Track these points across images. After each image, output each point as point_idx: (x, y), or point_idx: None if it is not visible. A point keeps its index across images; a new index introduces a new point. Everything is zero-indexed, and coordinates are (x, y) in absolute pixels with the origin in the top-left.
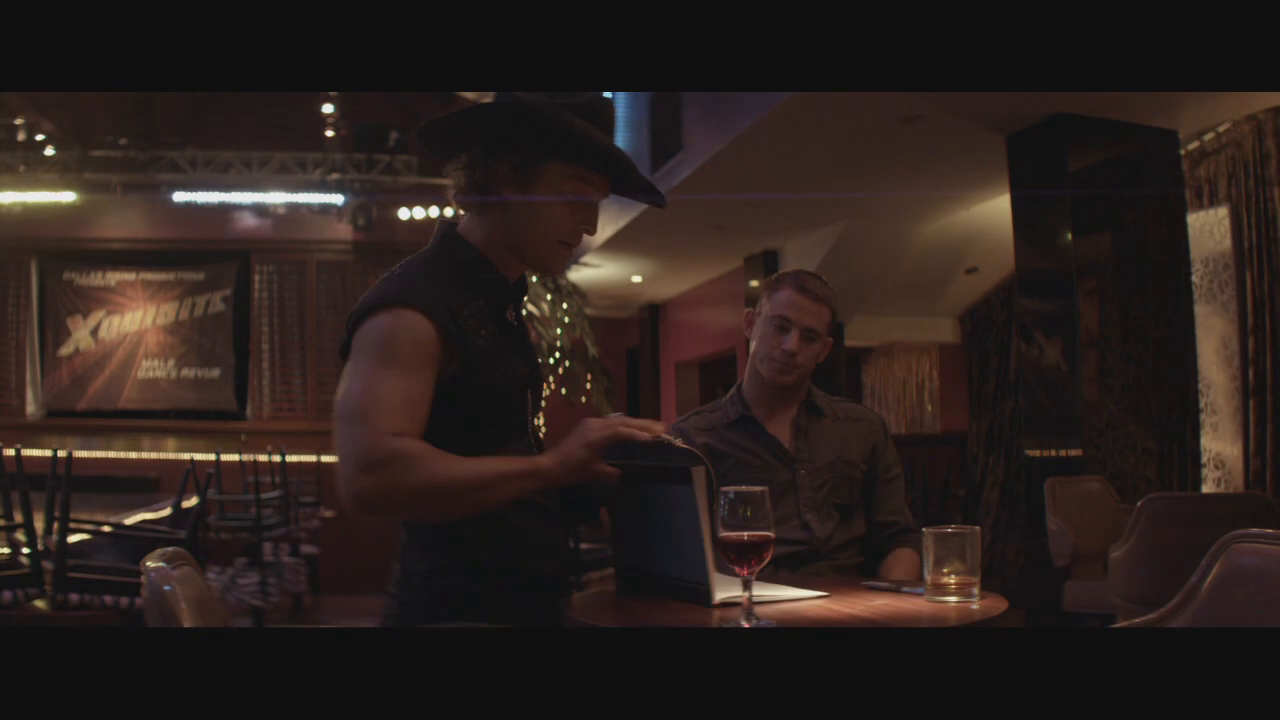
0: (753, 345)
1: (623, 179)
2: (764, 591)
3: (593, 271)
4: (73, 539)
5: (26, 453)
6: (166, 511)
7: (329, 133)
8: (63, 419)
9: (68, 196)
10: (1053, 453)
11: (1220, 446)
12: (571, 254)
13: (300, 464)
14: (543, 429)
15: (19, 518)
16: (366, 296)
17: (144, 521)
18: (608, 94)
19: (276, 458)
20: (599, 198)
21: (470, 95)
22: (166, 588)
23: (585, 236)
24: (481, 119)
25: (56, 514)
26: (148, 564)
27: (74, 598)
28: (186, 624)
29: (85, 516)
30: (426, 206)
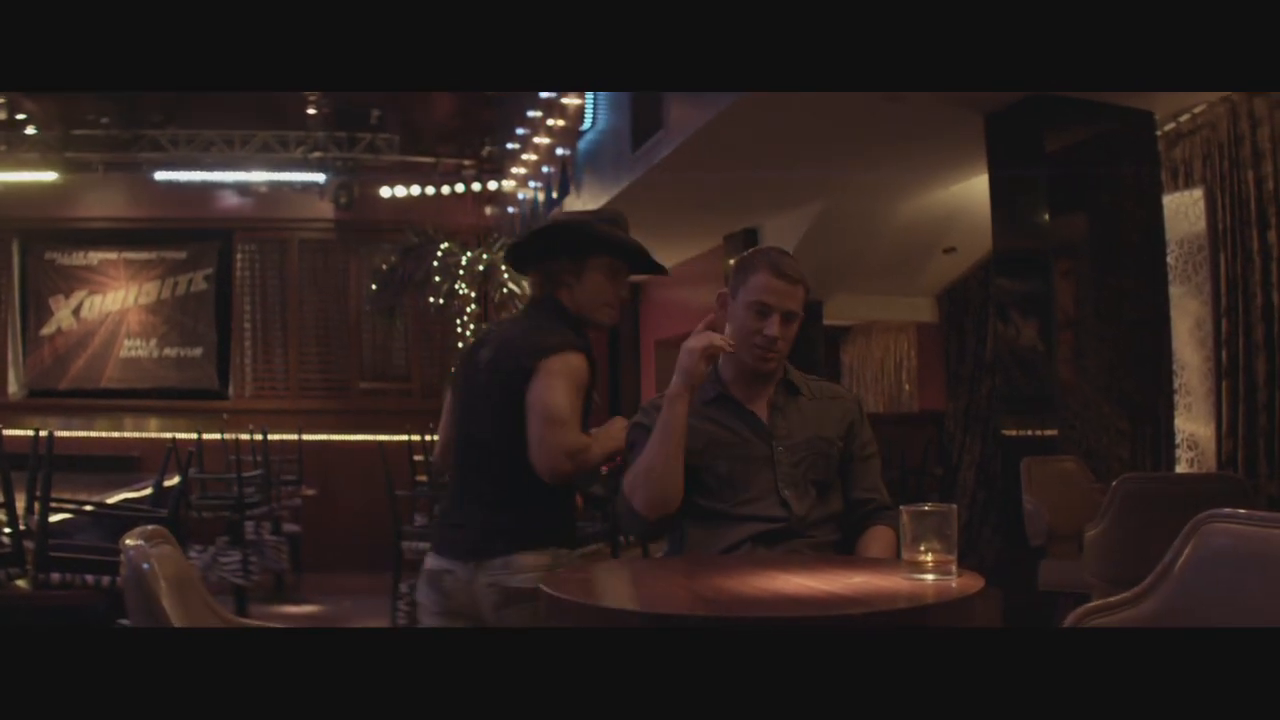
0: (728, 328)
1: (639, 262)
2: None
3: None
4: (54, 518)
5: (8, 432)
6: (148, 491)
7: (311, 111)
8: (45, 399)
9: (49, 176)
10: (1029, 432)
11: (1193, 427)
12: (618, 312)
13: (282, 442)
14: None
15: (0, 497)
16: (551, 339)
17: (126, 501)
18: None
19: (258, 436)
20: (625, 276)
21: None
22: (145, 566)
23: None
24: (550, 237)
25: (38, 493)
26: (127, 542)
27: (55, 577)
28: (165, 602)
29: (67, 496)
30: (408, 185)
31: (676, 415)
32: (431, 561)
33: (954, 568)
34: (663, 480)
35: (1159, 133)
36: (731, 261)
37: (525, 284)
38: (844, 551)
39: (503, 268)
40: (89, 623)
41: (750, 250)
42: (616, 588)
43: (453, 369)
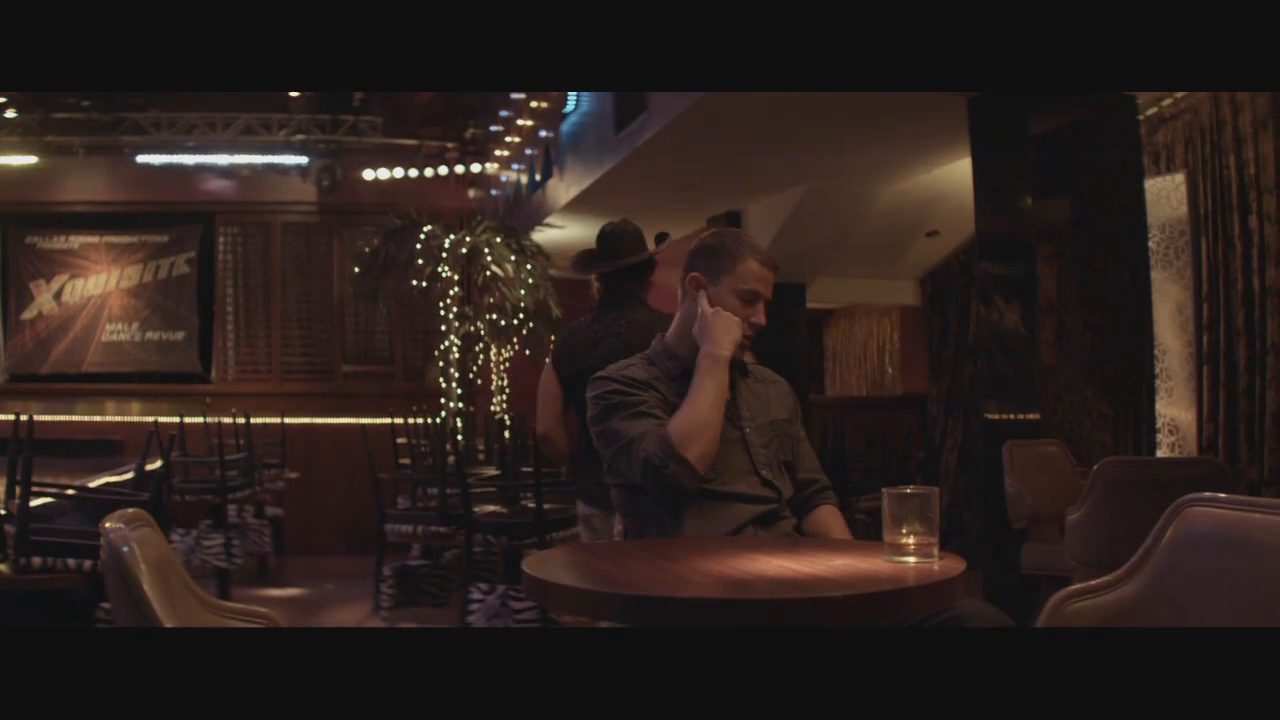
0: (704, 310)
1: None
2: None
3: (556, 233)
4: (35, 503)
5: None
6: (130, 475)
7: (293, 93)
8: (26, 383)
9: (29, 159)
10: (1011, 416)
11: (1174, 412)
12: None
13: (265, 425)
14: (506, 388)
15: None
16: None
17: (107, 484)
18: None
19: (241, 420)
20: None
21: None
22: (125, 549)
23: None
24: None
25: (18, 478)
26: (107, 525)
27: (36, 561)
28: (146, 585)
29: (48, 480)
30: (391, 167)
31: (725, 378)
32: (581, 509)
33: (936, 550)
34: (715, 436)
35: (1141, 117)
36: (706, 245)
37: (508, 267)
38: (794, 530)
39: (486, 250)
40: (70, 606)
41: (718, 234)
42: (598, 570)
43: (550, 357)
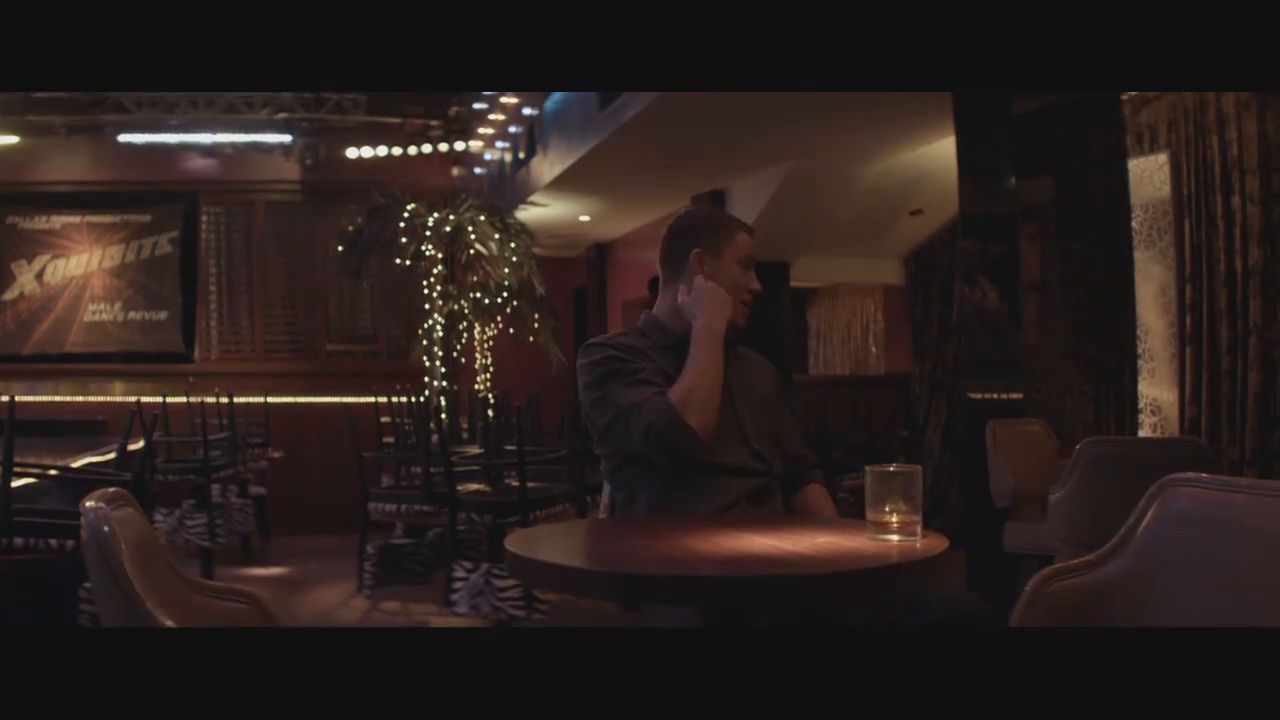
0: (698, 285)
1: None
2: None
3: (540, 211)
4: (17, 483)
5: None
6: (112, 455)
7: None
8: (8, 364)
9: (10, 139)
10: (994, 395)
11: (1157, 392)
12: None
13: (248, 405)
14: (490, 367)
15: None
16: None
17: (90, 465)
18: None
19: (224, 399)
20: None
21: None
22: (105, 528)
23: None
24: None
25: (0, 458)
26: (87, 505)
27: (18, 541)
28: (126, 565)
29: (31, 460)
30: (375, 146)
31: (720, 351)
32: None
33: (919, 529)
34: (715, 407)
35: (1125, 98)
36: (698, 221)
37: (492, 245)
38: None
39: (469, 228)
40: (52, 587)
41: (698, 211)
42: (583, 548)
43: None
